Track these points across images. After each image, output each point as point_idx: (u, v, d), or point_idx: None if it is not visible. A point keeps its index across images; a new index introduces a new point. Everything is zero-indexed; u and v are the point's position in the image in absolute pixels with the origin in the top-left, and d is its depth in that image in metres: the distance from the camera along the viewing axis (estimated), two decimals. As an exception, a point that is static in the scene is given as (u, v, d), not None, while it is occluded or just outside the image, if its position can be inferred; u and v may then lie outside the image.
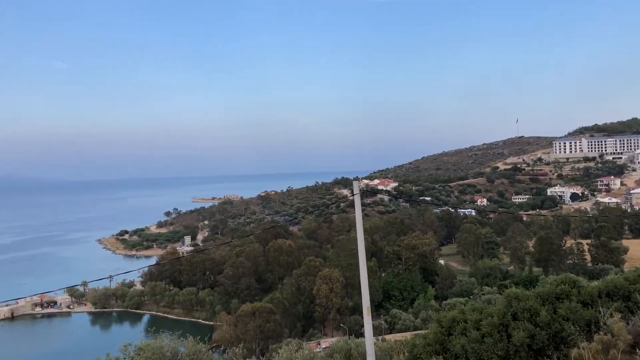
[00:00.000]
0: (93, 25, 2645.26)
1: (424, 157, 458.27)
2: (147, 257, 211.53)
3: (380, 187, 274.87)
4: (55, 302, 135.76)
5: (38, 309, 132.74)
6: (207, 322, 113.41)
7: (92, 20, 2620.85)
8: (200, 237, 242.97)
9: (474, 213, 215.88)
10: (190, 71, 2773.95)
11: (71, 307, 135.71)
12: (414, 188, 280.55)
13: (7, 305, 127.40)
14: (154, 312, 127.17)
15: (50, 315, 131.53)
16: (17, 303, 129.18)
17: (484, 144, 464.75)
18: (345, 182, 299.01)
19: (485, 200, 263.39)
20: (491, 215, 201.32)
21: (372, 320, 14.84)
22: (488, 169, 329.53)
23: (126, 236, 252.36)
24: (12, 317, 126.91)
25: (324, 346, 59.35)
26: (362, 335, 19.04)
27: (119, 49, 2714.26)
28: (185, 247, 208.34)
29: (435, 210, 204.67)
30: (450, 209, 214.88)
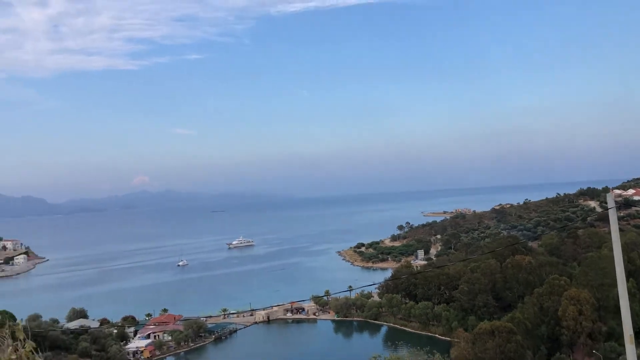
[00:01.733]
0: (327, 51, 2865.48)
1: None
2: (383, 269, 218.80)
3: (636, 198, 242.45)
4: (303, 309, 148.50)
5: (289, 315, 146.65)
6: (443, 338, 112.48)
7: (326, 45, 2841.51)
8: (433, 251, 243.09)
9: None
10: (415, 84, 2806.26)
11: (317, 314, 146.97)
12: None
13: (264, 310, 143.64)
14: (391, 324, 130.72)
15: (299, 321, 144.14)
16: (272, 308, 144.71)
17: None
18: (592, 193, 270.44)
19: None
20: None
21: (637, 350, 13.28)
22: None
23: (362, 249, 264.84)
24: (268, 321, 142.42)
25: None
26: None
27: (352, 68, 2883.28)
28: (418, 261, 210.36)
29: None
30: None
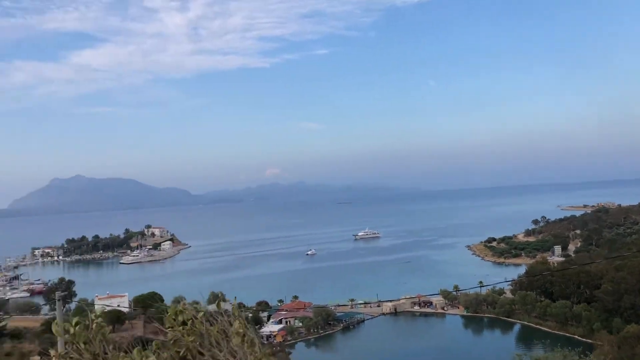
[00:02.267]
0: (454, 39, 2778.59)
1: None
2: (516, 265, 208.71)
3: None
4: (430, 303, 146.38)
5: (416, 308, 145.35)
6: (583, 339, 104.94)
7: (452, 33, 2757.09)
8: (571, 247, 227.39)
9: None
10: (544, 70, 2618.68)
11: (445, 308, 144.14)
12: None
13: (391, 302, 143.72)
14: (525, 322, 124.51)
15: (426, 315, 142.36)
16: (400, 300, 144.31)
17: None
18: None
19: None
20: None
21: None
22: None
23: (494, 243, 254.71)
24: (395, 313, 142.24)
25: None
26: None
27: (475, 56, 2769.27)
28: (555, 257, 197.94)
29: None
30: None
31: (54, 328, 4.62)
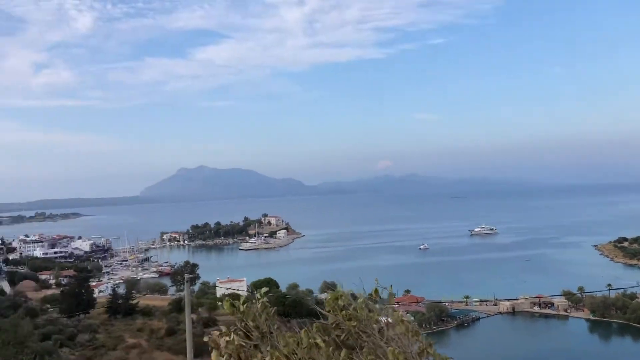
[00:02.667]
0: (585, 22, 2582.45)
1: None
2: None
3: None
4: (552, 304, 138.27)
5: (536, 308, 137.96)
6: None
7: (584, 16, 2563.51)
8: None
9: None
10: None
11: (568, 311, 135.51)
12: None
13: (508, 301, 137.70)
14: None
15: (547, 316, 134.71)
16: (518, 300, 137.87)
17: None
18: None
19: None
20: None
21: None
22: None
23: (625, 244, 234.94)
24: (513, 312, 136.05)
25: None
26: None
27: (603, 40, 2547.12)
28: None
29: None
30: None
31: (225, 305, 4.68)
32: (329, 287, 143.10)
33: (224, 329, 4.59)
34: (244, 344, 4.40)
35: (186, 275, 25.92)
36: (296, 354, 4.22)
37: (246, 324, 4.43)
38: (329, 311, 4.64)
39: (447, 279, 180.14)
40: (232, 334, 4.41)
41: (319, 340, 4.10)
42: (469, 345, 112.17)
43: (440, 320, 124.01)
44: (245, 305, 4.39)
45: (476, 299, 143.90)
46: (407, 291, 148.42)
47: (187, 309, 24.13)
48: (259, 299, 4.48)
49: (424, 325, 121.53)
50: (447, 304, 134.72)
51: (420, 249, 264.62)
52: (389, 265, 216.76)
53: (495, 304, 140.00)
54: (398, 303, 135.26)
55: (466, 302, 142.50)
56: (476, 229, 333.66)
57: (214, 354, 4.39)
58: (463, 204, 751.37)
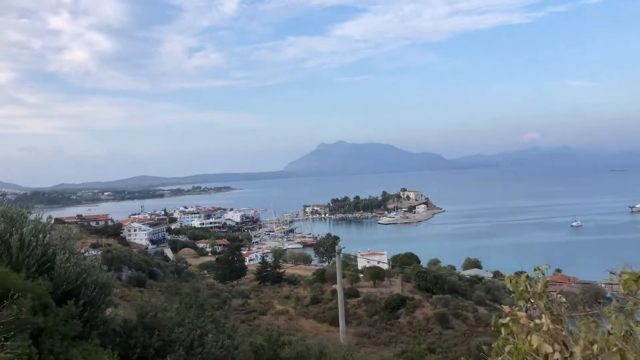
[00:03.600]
0: None
1: None
2: None
3: None
4: None
5: None
6: None
7: None
8: None
9: None
10: None
11: None
12: None
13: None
14: None
15: None
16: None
17: None
18: None
19: None
20: None
21: None
22: None
23: None
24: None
25: None
26: None
27: None
28: None
29: None
30: None
31: (510, 283, 4.42)
32: (473, 263, 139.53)
33: (507, 308, 4.33)
34: (560, 328, 4.07)
35: (337, 247, 26.44)
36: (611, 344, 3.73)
37: (531, 304, 4.11)
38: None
39: (603, 259, 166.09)
40: (544, 316, 4.09)
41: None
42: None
43: (596, 302, 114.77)
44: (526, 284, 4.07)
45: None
46: (558, 270, 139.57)
47: (339, 279, 24.63)
48: (540, 277, 4.15)
49: (577, 307, 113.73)
50: (603, 286, 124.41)
51: (572, 226, 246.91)
52: (536, 243, 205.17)
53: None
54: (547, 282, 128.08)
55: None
56: (638, 205, 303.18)
57: (534, 337, 4.03)
58: (623, 178, 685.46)
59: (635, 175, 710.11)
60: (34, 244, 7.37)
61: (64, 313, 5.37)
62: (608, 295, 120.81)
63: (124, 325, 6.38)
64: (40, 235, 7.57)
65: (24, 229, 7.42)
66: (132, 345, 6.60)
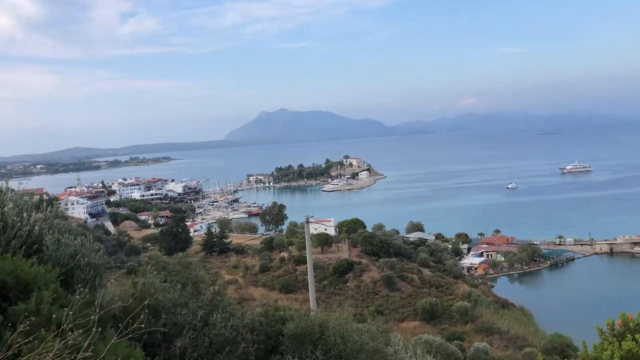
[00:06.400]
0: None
1: None
2: None
3: None
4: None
5: (637, 248, 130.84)
6: None
7: None
8: None
9: None
10: None
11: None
12: None
13: (605, 241, 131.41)
14: None
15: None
16: (616, 240, 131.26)
17: None
18: None
19: None
20: None
21: None
22: None
23: None
24: (611, 253, 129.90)
25: None
26: None
27: None
28: None
29: None
30: None
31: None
32: (415, 227, 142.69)
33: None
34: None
35: (306, 216, 25.89)
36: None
37: None
38: None
39: (537, 219, 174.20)
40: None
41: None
42: (564, 285, 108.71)
43: (533, 260, 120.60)
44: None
45: (570, 239, 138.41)
46: (497, 231, 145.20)
47: (308, 247, 24.16)
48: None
49: (514, 265, 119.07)
50: (537, 244, 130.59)
51: (507, 188, 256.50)
52: (475, 205, 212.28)
53: (591, 245, 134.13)
54: (488, 243, 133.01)
55: (559, 241, 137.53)
56: (568, 167, 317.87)
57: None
58: (554, 141, 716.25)
59: (564, 139, 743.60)
60: (19, 224, 6.51)
61: (78, 301, 4.65)
62: (544, 252, 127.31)
63: (124, 309, 5.68)
64: (25, 214, 6.62)
65: (5, 208, 6.46)
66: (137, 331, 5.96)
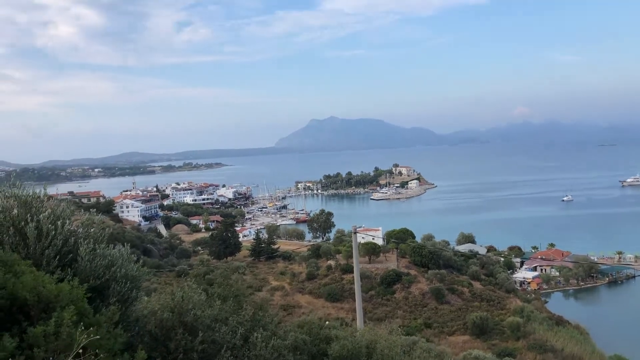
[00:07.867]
0: None
1: None
2: None
3: None
4: None
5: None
6: None
7: None
8: None
9: None
10: None
11: None
12: None
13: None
14: None
15: None
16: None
17: None
18: None
19: None
20: None
21: None
22: None
23: None
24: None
25: None
26: None
27: None
28: None
29: None
30: None
31: None
32: (467, 238, 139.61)
33: None
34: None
35: (353, 226, 25.54)
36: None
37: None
38: None
39: (594, 234, 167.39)
40: None
41: None
42: (623, 303, 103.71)
43: (590, 276, 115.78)
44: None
45: (631, 255, 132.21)
46: (552, 245, 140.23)
47: (356, 261, 23.79)
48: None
49: (570, 281, 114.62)
50: (596, 260, 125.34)
51: (563, 200, 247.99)
52: (528, 217, 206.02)
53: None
54: (542, 257, 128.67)
55: (619, 258, 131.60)
56: (628, 180, 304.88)
57: None
58: (612, 152, 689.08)
59: (624, 150, 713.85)
60: (53, 232, 6.04)
61: (105, 320, 4.29)
62: (602, 268, 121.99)
63: (160, 325, 5.40)
64: (59, 222, 6.36)
65: (41, 215, 6.23)
66: (172, 350, 5.60)
